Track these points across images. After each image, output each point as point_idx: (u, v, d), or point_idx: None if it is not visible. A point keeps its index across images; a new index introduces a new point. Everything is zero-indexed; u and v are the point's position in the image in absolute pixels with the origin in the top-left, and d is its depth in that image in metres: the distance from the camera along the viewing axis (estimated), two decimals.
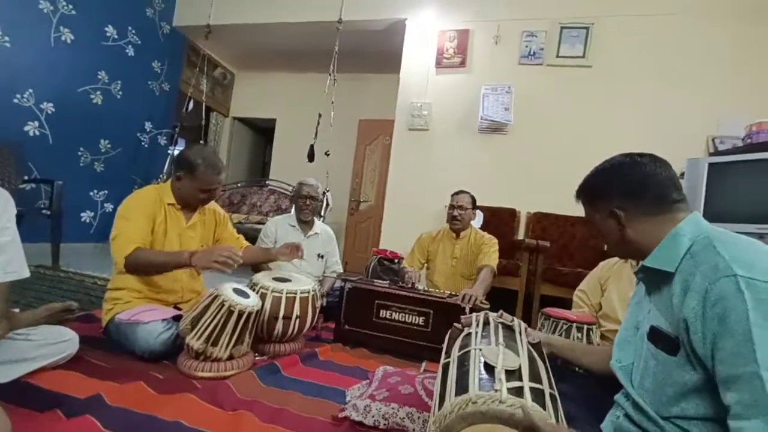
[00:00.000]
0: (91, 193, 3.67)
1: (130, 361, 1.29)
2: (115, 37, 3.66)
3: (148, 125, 4.17)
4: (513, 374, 0.76)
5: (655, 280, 0.77)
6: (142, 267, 1.34)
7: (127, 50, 3.80)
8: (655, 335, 0.73)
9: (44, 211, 2.77)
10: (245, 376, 1.26)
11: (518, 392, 0.71)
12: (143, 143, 4.15)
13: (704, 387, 0.64)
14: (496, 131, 3.25)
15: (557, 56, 3.16)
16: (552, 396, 0.76)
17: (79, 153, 3.50)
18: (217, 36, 4.24)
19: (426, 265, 2.40)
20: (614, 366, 0.86)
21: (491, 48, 3.32)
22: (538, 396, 0.72)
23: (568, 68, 3.13)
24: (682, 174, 2.65)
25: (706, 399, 0.64)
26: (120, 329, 1.34)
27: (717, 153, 2.67)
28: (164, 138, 4.41)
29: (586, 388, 1.00)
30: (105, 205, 3.79)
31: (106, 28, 3.58)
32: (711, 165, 2.44)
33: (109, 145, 3.75)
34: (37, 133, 3.13)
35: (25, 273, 1.06)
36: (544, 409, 0.69)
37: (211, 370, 1.24)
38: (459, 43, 3.39)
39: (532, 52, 3.22)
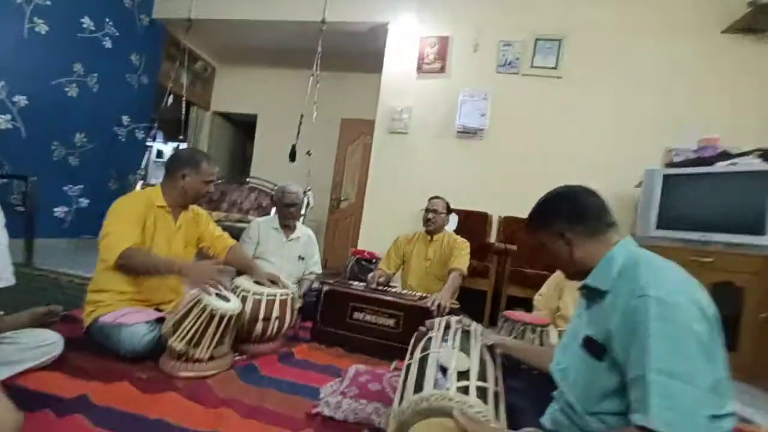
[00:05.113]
0: (66, 188, 3.61)
1: (112, 362, 1.34)
2: (92, 28, 3.58)
3: (125, 119, 4.11)
4: (464, 375, 0.88)
5: (593, 296, 0.89)
6: (134, 266, 1.41)
7: (104, 42, 3.72)
8: (588, 344, 0.86)
9: (18, 207, 2.73)
10: (225, 375, 1.34)
11: (466, 390, 0.83)
12: (120, 137, 4.09)
13: (623, 389, 0.76)
14: (472, 137, 3.39)
15: (531, 66, 3.31)
16: (495, 393, 0.88)
17: (53, 147, 3.43)
18: (198, 29, 4.19)
19: (402, 266, 2.51)
20: (553, 368, 0.99)
21: (470, 55, 3.43)
22: (482, 393, 0.85)
23: (541, 78, 3.29)
24: (640, 183, 2.86)
25: (624, 398, 0.76)
26: (103, 331, 1.39)
27: (671, 164, 2.88)
28: (142, 132, 4.35)
29: (536, 385, 1.13)
30: (80, 200, 3.73)
31: (83, 20, 3.50)
32: (665, 176, 2.65)
33: (84, 139, 3.69)
34: (10, 126, 3.06)
35: (12, 280, 1.11)
36: (486, 404, 0.82)
37: (192, 371, 1.31)
38: (439, 49, 3.49)
39: (508, 62, 3.36)
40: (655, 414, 0.64)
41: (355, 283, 2.06)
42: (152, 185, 3.59)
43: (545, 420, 0.95)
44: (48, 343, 1.23)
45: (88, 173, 3.75)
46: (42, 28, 3.18)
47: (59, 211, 3.58)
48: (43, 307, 1.32)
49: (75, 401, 1.03)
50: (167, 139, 6.50)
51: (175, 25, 4.28)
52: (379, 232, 3.39)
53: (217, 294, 1.40)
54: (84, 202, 3.76)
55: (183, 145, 4.56)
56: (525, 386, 1.10)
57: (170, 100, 4.05)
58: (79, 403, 1.03)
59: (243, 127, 6.05)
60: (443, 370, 0.90)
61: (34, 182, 2.77)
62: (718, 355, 0.75)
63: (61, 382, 1.15)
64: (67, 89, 3.46)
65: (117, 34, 3.83)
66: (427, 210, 2.39)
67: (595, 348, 0.83)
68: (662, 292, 0.72)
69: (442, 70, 3.49)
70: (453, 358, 0.92)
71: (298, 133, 3.57)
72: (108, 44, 3.77)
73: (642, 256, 0.85)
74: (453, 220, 3.03)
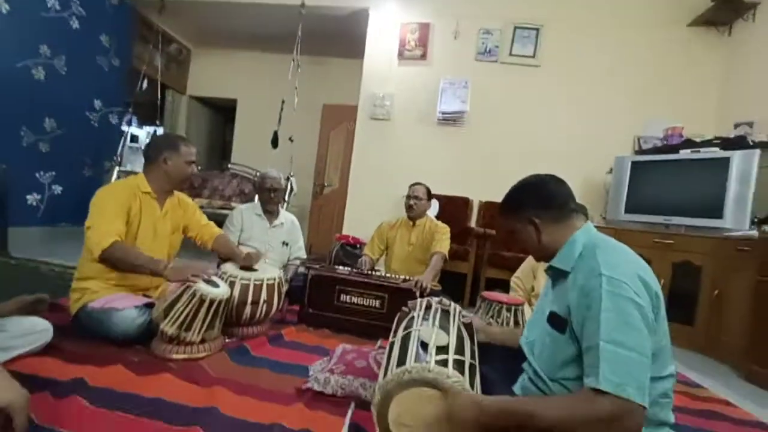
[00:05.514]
0: (37, 175, 3.49)
1: (103, 347, 1.36)
2: (57, 8, 3.40)
3: (97, 103, 3.96)
4: (443, 349, 0.97)
5: (558, 276, 0.99)
6: (117, 262, 1.40)
7: (71, 22, 3.55)
8: (552, 318, 0.95)
9: None
10: (217, 356, 1.40)
11: (444, 363, 0.91)
12: (92, 122, 3.95)
13: (579, 357, 0.85)
14: (453, 124, 3.45)
15: (510, 54, 3.38)
16: (471, 365, 0.97)
17: (22, 133, 3.29)
18: (172, 10, 4.05)
19: (385, 251, 2.59)
20: (522, 341, 1.09)
21: (451, 43, 3.46)
22: (459, 365, 0.93)
23: (519, 67, 3.36)
24: (611, 169, 3.01)
25: (580, 366, 0.85)
26: (93, 316, 1.40)
27: (640, 152, 3.03)
28: (116, 116, 4.21)
29: (508, 360, 1.23)
30: (53, 187, 3.62)
31: None
32: (633, 163, 2.79)
33: (54, 124, 3.55)
34: None
35: None
36: (462, 375, 0.91)
37: (185, 353, 1.36)
38: (420, 35, 3.51)
39: (487, 50, 3.41)
40: (604, 377, 0.73)
41: (341, 267, 2.13)
42: (128, 171, 3.53)
43: (516, 388, 1.06)
44: (37, 330, 1.24)
45: (61, 159, 3.63)
46: (3, 7, 3.01)
47: (32, 198, 3.46)
48: (31, 296, 1.33)
49: (72, 383, 1.07)
50: (142, 123, 6.28)
51: (146, 6, 4.11)
52: (363, 217, 3.45)
53: (205, 280, 1.43)
54: (57, 189, 3.64)
55: (159, 130, 4.45)
56: (498, 360, 1.20)
57: (145, 84, 3.93)
58: (76, 384, 1.06)
59: (222, 112, 5.91)
60: (424, 345, 0.98)
61: (4, 170, 2.67)
62: (661, 326, 0.86)
63: (54, 367, 1.17)
64: (33, 72, 3.30)
65: (84, 14, 3.65)
66: (409, 196, 2.46)
67: (558, 322, 0.93)
68: (613, 271, 0.81)
69: (423, 57, 3.51)
70: (433, 334, 1.00)
71: (280, 118, 3.55)
72: (75, 24, 3.59)
73: (600, 239, 0.95)
74: (434, 206, 3.12)
